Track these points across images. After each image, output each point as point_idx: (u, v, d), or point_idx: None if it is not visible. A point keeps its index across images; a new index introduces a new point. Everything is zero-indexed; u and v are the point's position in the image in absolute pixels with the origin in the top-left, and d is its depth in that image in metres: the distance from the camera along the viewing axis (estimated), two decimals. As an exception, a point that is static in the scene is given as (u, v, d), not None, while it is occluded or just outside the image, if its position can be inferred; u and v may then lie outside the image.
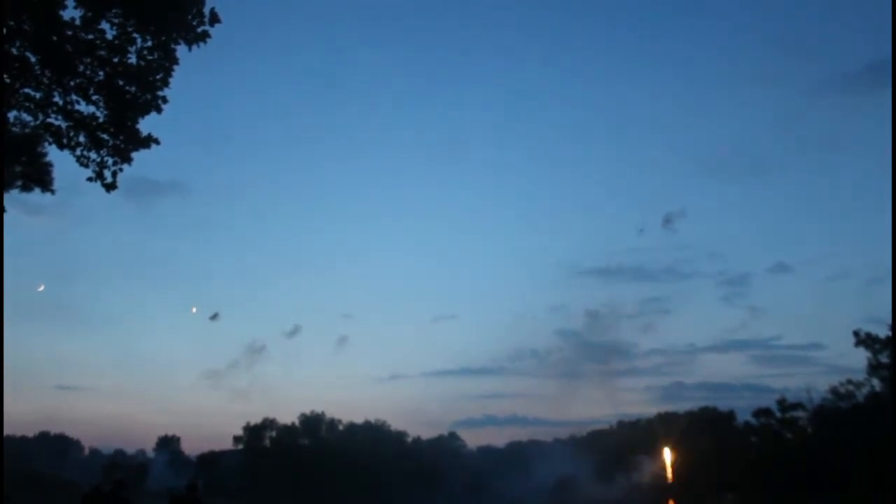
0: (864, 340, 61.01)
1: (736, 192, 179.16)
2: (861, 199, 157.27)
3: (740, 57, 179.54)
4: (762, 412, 77.25)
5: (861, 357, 62.87)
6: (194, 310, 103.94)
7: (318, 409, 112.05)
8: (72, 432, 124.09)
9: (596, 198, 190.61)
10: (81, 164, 10.71)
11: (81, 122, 10.54)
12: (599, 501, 73.90)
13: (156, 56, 10.30)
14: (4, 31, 9.70)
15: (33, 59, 10.04)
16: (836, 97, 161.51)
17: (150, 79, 10.39)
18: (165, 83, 10.49)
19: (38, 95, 10.39)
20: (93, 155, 10.70)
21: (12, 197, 11.17)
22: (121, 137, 10.65)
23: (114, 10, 9.86)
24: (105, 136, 10.63)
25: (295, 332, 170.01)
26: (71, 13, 9.77)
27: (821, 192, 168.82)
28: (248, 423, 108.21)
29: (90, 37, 9.99)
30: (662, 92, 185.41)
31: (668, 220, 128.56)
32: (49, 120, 10.60)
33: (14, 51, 9.88)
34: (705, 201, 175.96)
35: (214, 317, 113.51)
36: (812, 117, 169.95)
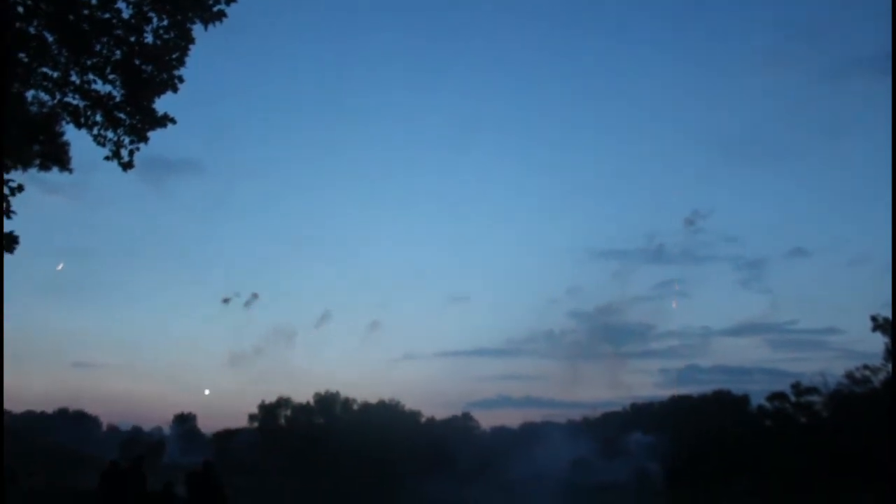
0: (882, 325, 60.42)
1: (753, 177, 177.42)
2: (879, 183, 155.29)
3: (755, 41, 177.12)
4: (777, 396, 77.01)
5: (878, 342, 62.44)
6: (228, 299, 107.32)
7: (333, 389, 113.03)
8: (90, 409, 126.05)
9: (611, 181, 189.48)
10: (98, 143, 10.77)
11: (98, 102, 10.58)
12: (612, 483, 74.12)
13: (172, 35, 10.30)
14: (22, 10, 9.74)
15: (50, 39, 10.08)
16: (853, 80, 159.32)
17: (167, 58, 10.40)
18: (181, 62, 10.50)
19: (55, 75, 10.44)
20: (109, 134, 10.76)
21: (31, 175, 11.25)
22: (137, 117, 10.70)
23: (130, -11, 9.87)
24: (122, 116, 10.67)
25: (323, 320, 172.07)
26: (87, -8, 9.79)
27: (839, 177, 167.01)
28: (262, 402, 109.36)
29: (107, 16, 10.01)
30: (677, 77, 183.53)
31: (690, 222, 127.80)
32: (66, 99, 10.65)
33: (32, 30, 9.92)
34: (722, 186, 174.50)
35: (227, 301, 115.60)
36: (830, 100, 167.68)
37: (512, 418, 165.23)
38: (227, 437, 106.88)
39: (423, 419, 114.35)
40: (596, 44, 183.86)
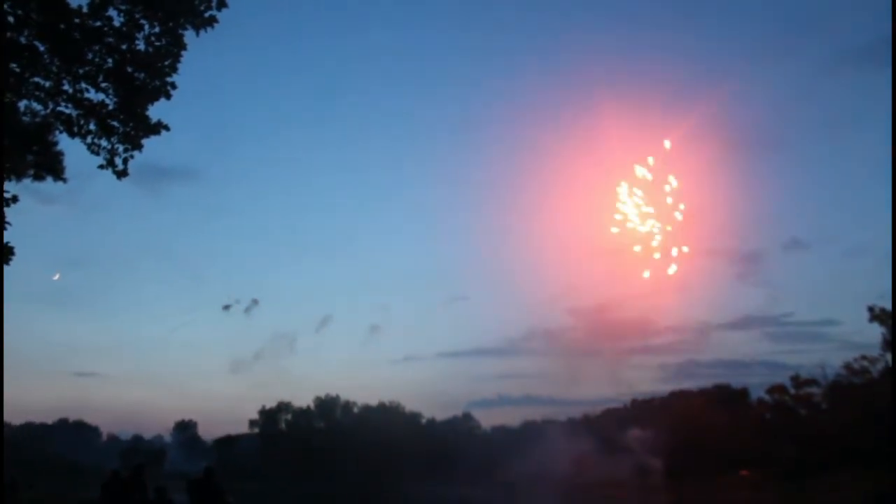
0: (879, 316, 60.61)
1: (750, 168, 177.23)
2: (878, 174, 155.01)
3: (752, 32, 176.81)
4: (776, 389, 77.30)
5: (876, 333, 62.69)
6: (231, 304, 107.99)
7: (333, 392, 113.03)
8: (90, 418, 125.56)
9: (608, 177, 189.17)
10: (92, 152, 10.74)
11: (91, 110, 10.55)
12: (613, 480, 74.15)
13: (164, 42, 10.29)
14: (13, 20, 9.72)
15: (42, 48, 10.05)
16: (851, 71, 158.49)
17: (159, 65, 10.39)
18: (174, 69, 10.49)
19: (47, 84, 10.41)
20: (103, 142, 10.73)
21: (25, 186, 11.23)
22: (131, 124, 10.68)
23: (120, -3, 9.87)
24: (115, 124, 10.65)
25: (322, 323, 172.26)
26: (78, 1, 9.77)
27: (837, 168, 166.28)
28: (263, 407, 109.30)
29: (98, 24, 9.98)
30: (674, 69, 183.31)
31: (686, 216, 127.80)
32: (59, 108, 10.63)
33: (23, 40, 9.90)
34: (719, 177, 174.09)
35: (227, 307, 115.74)
36: (828, 91, 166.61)
37: (512, 417, 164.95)
38: (228, 443, 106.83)
39: (424, 420, 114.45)
40: (591, 36, 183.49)
